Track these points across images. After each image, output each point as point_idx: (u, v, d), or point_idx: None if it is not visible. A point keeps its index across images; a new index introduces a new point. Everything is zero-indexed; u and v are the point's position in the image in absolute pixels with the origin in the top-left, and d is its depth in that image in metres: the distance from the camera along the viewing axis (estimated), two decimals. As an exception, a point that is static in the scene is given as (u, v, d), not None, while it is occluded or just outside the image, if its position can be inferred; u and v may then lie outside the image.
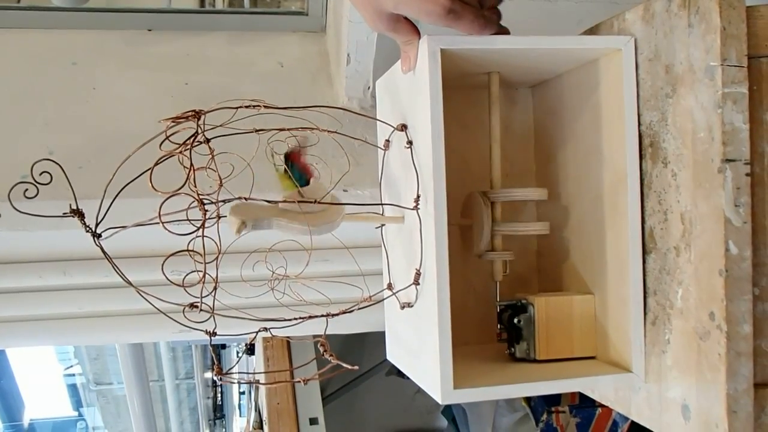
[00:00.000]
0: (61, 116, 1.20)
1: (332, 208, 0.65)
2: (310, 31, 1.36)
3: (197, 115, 0.59)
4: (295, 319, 0.66)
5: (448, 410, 2.73)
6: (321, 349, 0.65)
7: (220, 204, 0.59)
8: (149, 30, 1.32)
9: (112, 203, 0.58)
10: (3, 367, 6.83)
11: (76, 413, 7.81)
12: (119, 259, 0.61)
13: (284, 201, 0.64)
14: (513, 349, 0.76)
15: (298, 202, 0.64)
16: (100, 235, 0.59)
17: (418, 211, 0.67)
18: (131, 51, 1.29)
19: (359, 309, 0.69)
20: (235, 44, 1.32)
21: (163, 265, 0.57)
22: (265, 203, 0.63)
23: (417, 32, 0.66)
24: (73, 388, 7.55)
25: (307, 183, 0.66)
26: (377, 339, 0.89)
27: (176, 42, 1.31)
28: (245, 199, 0.61)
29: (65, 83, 1.24)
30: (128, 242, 1.23)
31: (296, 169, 0.65)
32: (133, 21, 1.31)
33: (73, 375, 7.29)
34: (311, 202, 0.64)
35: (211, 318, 0.61)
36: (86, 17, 1.30)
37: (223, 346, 3.88)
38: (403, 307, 0.73)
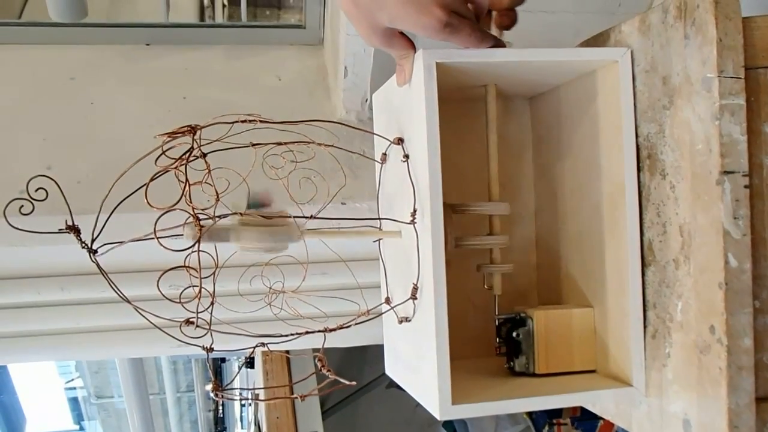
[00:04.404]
0: (59, 131, 1.20)
1: (291, 224, 0.65)
2: (307, 44, 1.36)
3: (193, 130, 0.59)
4: (293, 334, 0.65)
5: (449, 423, 2.72)
6: (318, 365, 0.65)
7: (216, 219, 0.59)
8: (147, 44, 1.32)
9: (108, 219, 0.58)
10: (4, 381, 6.81)
11: (77, 427, 7.78)
12: (116, 274, 0.61)
13: (272, 215, 0.64)
14: (512, 363, 0.75)
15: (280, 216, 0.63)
16: (96, 251, 0.58)
17: (415, 225, 0.67)
18: (129, 66, 1.29)
19: (357, 324, 0.69)
20: (233, 58, 1.33)
21: (158, 281, 0.56)
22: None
23: (412, 46, 0.66)
24: (74, 402, 7.53)
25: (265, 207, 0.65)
26: (377, 352, 0.89)
27: (174, 56, 1.31)
28: (241, 214, 0.61)
29: (63, 98, 1.24)
30: (125, 257, 1.22)
31: (257, 203, 0.64)
32: (131, 36, 1.31)
33: (74, 388, 7.27)
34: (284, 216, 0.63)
35: (209, 333, 0.60)
36: (84, 32, 1.30)
37: (223, 360, 3.87)
38: (401, 322, 0.73)
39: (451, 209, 0.76)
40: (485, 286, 0.79)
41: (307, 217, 0.64)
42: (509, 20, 0.68)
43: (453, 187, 0.78)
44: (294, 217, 0.63)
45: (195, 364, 4.55)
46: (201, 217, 0.58)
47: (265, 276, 0.71)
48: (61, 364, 6.97)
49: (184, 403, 5.42)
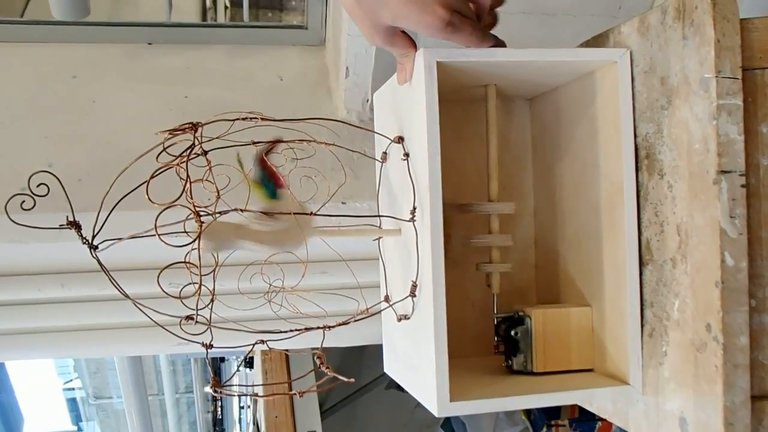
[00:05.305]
0: (61, 129, 1.21)
1: (297, 227, 0.65)
2: (309, 44, 1.37)
3: (194, 127, 0.59)
4: (292, 331, 0.66)
5: (447, 424, 2.72)
6: (317, 362, 0.65)
7: (216, 216, 0.60)
8: (149, 43, 1.33)
9: (109, 215, 0.58)
10: (2, 380, 6.80)
11: (75, 427, 7.77)
12: (117, 272, 0.61)
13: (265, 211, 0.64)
14: (510, 362, 0.76)
15: (280, 213, 0.63)
16: (96, 247, 0.59)
17: (415, 223, 0.68)
18: (131, 64, 1.30)
19: (356, 321, 0.69)
20: (234, 58, 1.33)
21: (158, 277, 0.57)
22: (232, 222, 0.62)
23: (414, 45, 0.66)
24: (72, 402, 7.52)
25: (275, 192, 0.65)
26: (376, 352, 0.89)
27: (176, 55, 1.31)
28: (241, 211, 0.61)
29: (65, 96, 1.24)
30: (126, 254, 1.23)
31: (266, 177, 0.64)
32: (133, 34, 1.32)
33: (73, 389, 7.27)
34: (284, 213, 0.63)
35: (208, 330, 0.61)
36: (87, 31, 1.31)
37: (222, 360, 3.87)
38: (399, 320, 0.73)
39: (457, 209, 0.76)
40: (488, 285, 0.79)
41: (307, 214, 0.64)
42: (491, 20, 0.69)
43: (453, 186, 0.78)
44: (294, 213, 0.64)
45: (194, 364, 4.55)
46: (202, 214, 0.58)
47: (265, 274, 0.71)
48: (60, 364, 6.97)
49: (182, 404, 5.43)
